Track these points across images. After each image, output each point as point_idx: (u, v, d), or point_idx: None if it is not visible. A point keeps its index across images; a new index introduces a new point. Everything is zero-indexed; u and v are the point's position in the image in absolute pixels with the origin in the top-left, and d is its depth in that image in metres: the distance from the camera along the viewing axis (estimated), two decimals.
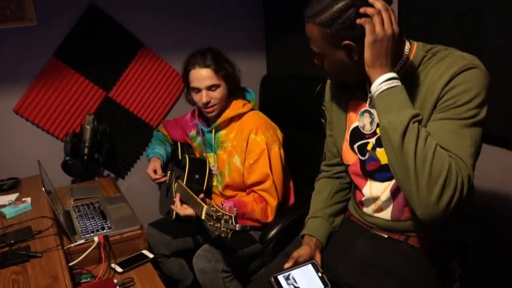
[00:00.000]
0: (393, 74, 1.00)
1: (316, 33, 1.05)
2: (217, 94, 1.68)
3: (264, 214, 1.67)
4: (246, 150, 1.69)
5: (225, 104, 1.74)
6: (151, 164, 1.93)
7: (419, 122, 0.97)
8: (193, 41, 2.46)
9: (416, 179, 0.94)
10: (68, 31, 2.19)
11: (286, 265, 1.20)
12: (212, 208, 1.32)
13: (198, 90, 1.68)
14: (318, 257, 1.27)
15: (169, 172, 1.97)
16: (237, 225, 1.25)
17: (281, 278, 1.15)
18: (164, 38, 2.42)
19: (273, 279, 1.14)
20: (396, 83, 0.99)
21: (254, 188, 1.69)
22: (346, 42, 1.03)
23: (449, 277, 1.19)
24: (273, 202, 1.68)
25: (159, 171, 1.88)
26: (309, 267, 1.20)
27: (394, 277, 1.13)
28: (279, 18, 2.52)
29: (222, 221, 1.26)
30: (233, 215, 1.25)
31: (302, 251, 1.25)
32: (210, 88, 1.67)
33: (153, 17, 2.36)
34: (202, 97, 1.68)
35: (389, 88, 0.99)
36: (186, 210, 1.56)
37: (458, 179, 0.94)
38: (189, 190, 1.57)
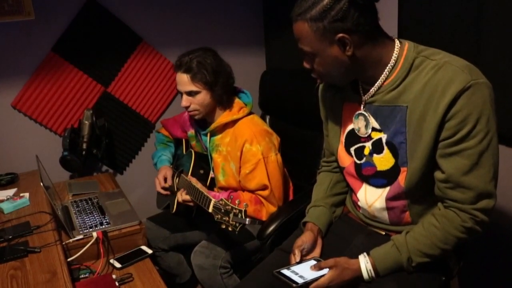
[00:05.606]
0: (364, 273, 1.12)
1: (307, 30, 1.03)
2: (197, 100, 1.65)
3: (257, 214, 1.66)
4: (241, 159, 1.66)
5: (211, 110, 1.70)
6: (163, 171, 1.86)
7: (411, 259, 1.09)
8: (192, 36, 2.46)
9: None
10: (67, 25, 2.18)
11: (293, 258, 1.20)
12: (220, 202, 1.31)
13: (181, 93, 1.68)
14: (319, 244, 1.28)
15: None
16: (247, 219, 1.24)
17: (284, 270, 1.14)
18: (163, 33, 2.41)
19: (276, 273, 1.13)
20: (371, 268, 1.11)
21: (254, 192, 1.69)
22: (340, 35, 1.00)
23: (446, 274, 1.19)
24: (271, 208, 1.67)
25: (169, 180, 1.83)
26: (312, 261, 1.20)
27: (392, 273, 1.14)
28: (278, 13, 2.51)
29: (231, 215, 1.26)
30: (243, 209, 1.25)
31: (305, 238, 1.25)
32: (189, 93, 1.65)
33: (152, 11, 2.35)
34: (182, 101, 1.67)
35: (371, 275, 1.11)
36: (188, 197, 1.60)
37: (475, 227, 1.04)
38: (194, 184, 1.56)
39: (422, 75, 1.03)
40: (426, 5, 1.63)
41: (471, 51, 1.47)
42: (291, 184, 1.86)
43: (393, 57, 1.07)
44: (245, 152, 1.65)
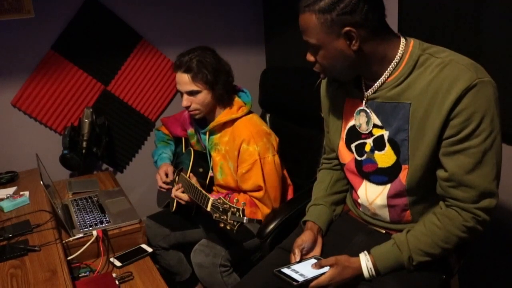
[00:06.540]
0: (365, 271, 1.11)
1: (314, 21, 1.02)
2: (197, 99, 1.64)
3: (253, 216, 1.66)
4: (238, 159, 1.66)
5: (211, 109, 1.70)
6: (163, 167, 1.86)
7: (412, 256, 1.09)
8: (192, 35, 2.46)
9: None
10: (66, 23, 2.17)
11: (293, 257, 1.20)
12: (218, 200, 1.31)
13: (181, 93, 1.68)
14: (319, 242, 1.28)
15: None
16: (245, 217, 1.24)
17: (284, 269, 1.14)
18: (163, 31, 2.40)
19: (277, 272, 1.13)
20: (372, 266, 1.11)
21: (248, 193, 1.69)
22: (347, 28, 1.00)
23: (447, 273, 1.19)
24: (265, 209, 1.67)
25: (171, 175, 1.83)
26: (312, 260, 1.19)
27: (391, 272, 1.14)
28: (278, 11, 2.51)
29: (229, 214, 1.26)
30: (240, 208, 1.25)
31: (305, 237, 1.25)
32: (190, 93, 1.64)
33: (152, 10, 2.35)
34: (183, 101, 1.67)
35: (372, 273, 1.11)
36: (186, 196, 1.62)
37: (477, 226, 1.04)
38: (193, 182, 1.57)
39: (427, 73, 1.03)
40: (426, 3, 1.63)
41: (471, 50, 1.47)
42: (290, 183, 1.86)
43: (398, 53, 1.06)
44: (242, 152, 1.64)
